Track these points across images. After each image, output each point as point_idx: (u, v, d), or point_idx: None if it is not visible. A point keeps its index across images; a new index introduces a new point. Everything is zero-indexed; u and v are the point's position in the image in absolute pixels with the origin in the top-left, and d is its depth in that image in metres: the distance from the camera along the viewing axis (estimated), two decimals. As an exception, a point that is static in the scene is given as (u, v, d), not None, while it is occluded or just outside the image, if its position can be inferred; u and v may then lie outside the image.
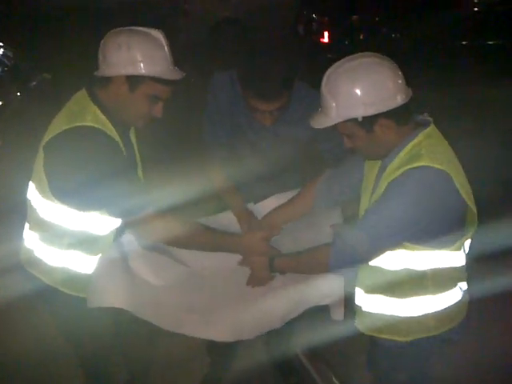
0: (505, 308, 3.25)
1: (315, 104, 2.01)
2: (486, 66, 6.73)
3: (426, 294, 1.88)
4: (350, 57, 1.82)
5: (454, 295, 1.95)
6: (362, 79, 1.75)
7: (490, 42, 7.26)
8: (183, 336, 2.04)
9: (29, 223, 2.15)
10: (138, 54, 1.91)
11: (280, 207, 2.32)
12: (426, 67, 6.49)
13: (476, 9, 7.35)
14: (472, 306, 2.06)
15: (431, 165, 1.75)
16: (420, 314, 1.90)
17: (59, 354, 2.69)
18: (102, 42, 1.99)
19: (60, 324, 2.28)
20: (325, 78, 1.82)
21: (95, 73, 2.00)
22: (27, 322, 3.21)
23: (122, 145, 2.00)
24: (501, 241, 3.02)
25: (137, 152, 2.23)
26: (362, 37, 7.22)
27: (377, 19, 7.35)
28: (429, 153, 1.78)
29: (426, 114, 1.89)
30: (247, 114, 2.32)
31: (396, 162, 1.82)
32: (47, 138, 1.96)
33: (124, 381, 2.51)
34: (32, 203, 2.08)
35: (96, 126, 1.92)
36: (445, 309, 1.93)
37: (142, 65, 1.91)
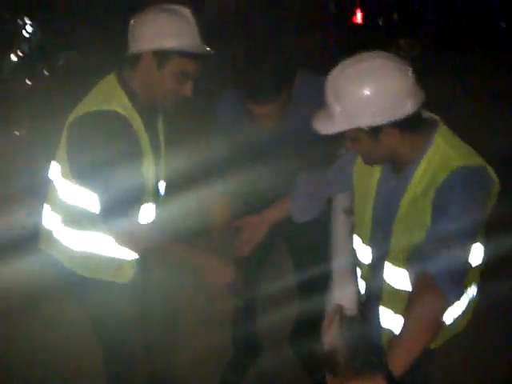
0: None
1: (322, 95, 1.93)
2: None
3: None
4: (357, 57, 1.66)
5: (474, 292, 1.87)
6: (371, 86, 1.59)
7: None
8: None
9: (49, 204, 2.13)
10: (165, 29, 1.89)
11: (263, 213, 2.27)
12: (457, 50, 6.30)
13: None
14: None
15: (467, 164, 1.64)
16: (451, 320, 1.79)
17: (86, 342, 2.63)
18: (130, 21, 1.95)
19: (84, 308, 2.25)
20: (329, 80, 1.67)
21: (125, 53, 1.97)
22: (53, 309, 3.15)
23: (144, 132, 1.97)
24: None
25: (162, 140, 2.19)
26: (395, 17, 7.02)
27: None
28: (455, 152, 1.67)
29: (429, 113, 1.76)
30: (251, 120, 2.21)
31: (421, 170, 1.70)
32: (72, 118, 1.94)
33: (146, 374, 2.45)
34: (53, 183, 2.07)
35: (119, 111, 1.89)
36: (460, 314, 1.84)
37: (169, 39, 1.88)
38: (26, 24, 5.66)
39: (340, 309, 1.93)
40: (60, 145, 2.03)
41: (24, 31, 5.62)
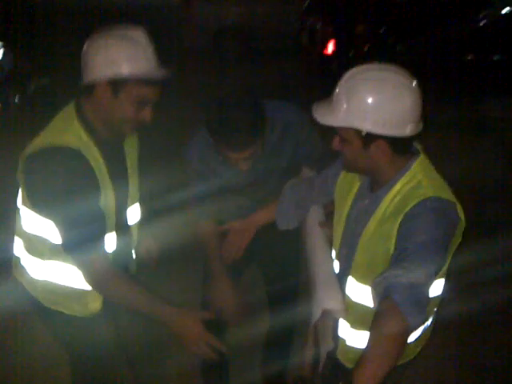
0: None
1: (290, 125, 2.10)
2: (491, 81, 6.69)
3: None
4: (384, 65, 1.70)
5: (431, 320, 1.93)
6: (384, 96, 1.65)
7: (495, 58, 7.19)
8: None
9: (16, 231, 2.10)
10: (117, 55, 1.81)
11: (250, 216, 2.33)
12: (430, 81, 6.40)
13: (482, 23, 7.29)
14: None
15: (438, 195, 1.69)
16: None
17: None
18: (83, 48, 1.89)
19: (52, 335, 2.23)
20: (348, 74, 1.70)
21: (79, 82, 1.91)
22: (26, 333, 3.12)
23: (102, 163, 1.92)
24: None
25: (129, 166, 2.13)
26: (366, 48, 7.14)
27: (382, 30, 7.27)
28: (430, 183, 1.72)
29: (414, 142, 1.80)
30: (223, 162, 2.23)
31: (393, 193, 1.74)
32: (28, 151, 1.89)
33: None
34: (18, 211, 2.04)
35: (73, 145, 1.84)
36: (422, 333, 1.90)
37: (122, 66, 1.81)
38: (-3, 50, 5.62)
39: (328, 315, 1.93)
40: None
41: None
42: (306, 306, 2.09)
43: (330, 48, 7.34)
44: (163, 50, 1.93)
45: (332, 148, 1.81)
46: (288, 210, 2.24)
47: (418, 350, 1.96)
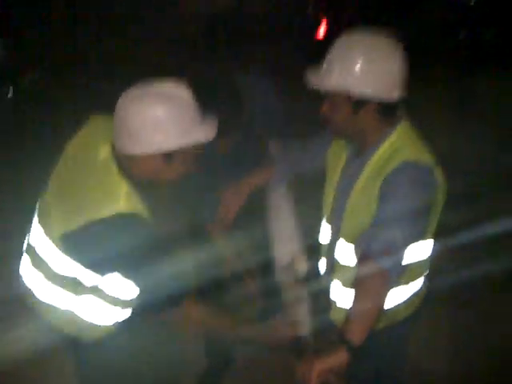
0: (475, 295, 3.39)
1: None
2: (479, 57, 6.76)
3: (398, 286, 1.88)
4: (374, 31, 1.77)
5: (420, 284, 1.99)
6: (375, 61, 1.71)
7: (486, 36, 7.22)
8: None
9: (34, 267, 1.96)
10: (171, 127, 1.68)
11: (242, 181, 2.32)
12: (421, 62, 6.44)
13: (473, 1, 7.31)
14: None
15: (417, 158, 1.76)
16: (392, 305, 1.91)
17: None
18: (117, 109, 1.72)
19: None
20: (341, 40, 1.76)
21: (117, 148, 1.75)
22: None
23: (151, 217, 1.82)
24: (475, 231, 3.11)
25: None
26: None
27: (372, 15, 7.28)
28: (409, 147, 1.79)
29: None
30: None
31: (375, 159, 1.81)
32: (73, 226, 1.72)
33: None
34: (40, 254, 1.90)
35: (130, 210, 1.70)
36: (411, 296, 1.96)
37: (176, 139, 1.70)
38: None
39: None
40: (47, 231, 1.85)
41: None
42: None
43: (322, 32, 7.36)
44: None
45: (321, 115, 1.83)
46: (284, 168, 2.27)
47: (409, 312, 2.01)
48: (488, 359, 3.02)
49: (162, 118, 1.66)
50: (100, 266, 1.76)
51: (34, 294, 1.97)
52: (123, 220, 1.68)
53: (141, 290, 1.81)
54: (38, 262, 1.91)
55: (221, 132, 1.96)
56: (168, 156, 1.72)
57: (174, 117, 1.68)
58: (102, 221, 1.67)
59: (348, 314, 1.67)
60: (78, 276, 1.82)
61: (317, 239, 2.18)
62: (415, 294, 1.98)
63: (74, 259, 1.78)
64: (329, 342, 1.78)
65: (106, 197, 1.71)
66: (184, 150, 1.73)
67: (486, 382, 2.92)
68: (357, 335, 1.61)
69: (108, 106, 1.81)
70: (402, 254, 1.72)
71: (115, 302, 1.87)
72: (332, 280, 2.03)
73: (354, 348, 1.59)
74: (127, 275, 1.77)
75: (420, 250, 1.88)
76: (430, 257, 1.96)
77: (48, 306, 1.95)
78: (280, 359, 2.87)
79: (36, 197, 1.97)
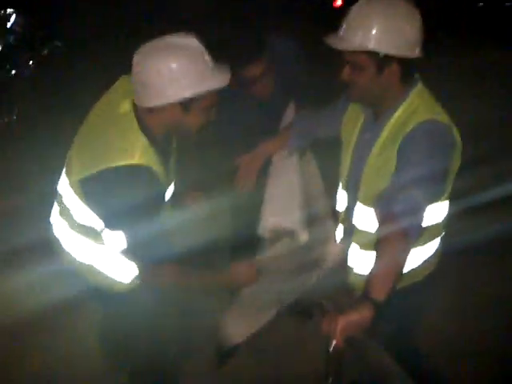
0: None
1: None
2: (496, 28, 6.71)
3: (417, 246, 1.93)
4: None
5: (437, 244, 2.04)
6: (397, 19, 1.75)
7: (508, 3, 7.12)
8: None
9: (59, 214, 2.11)
10: (182, 76, 1.75)
11: (258, 146, 2.37)
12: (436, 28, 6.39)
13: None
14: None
15: (434, 118, 1.80)
16: (411, 266, 1.96)
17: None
18: (134, 63, 1.80)
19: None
20: (360, 2, 1.80)
21: (136, 102, 1.85)
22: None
23: (165, 174, 1.93)
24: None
25: (171, 168, 2.11)
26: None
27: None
28: (426, 107, 1.83)
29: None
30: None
31: (393, 121, 1.85)
32: (87, 172, 1.85)
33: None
34: (66, 203, 2.03)
35: (145, 164, 1.80)
36: (429, 257, 2.02)
37: (190, 88, 1.77)
38: (10, 15, 5.68)
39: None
40: (70, 176, 1.97)
41: (8, 22, 5.64)
42: None
43: (340, 0, 7.33)
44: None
45: (342, 79, 1.86)
46: (301, 133, 2.32)
47: (427, 272, 2.07)
48: (496, 319, 3.09)
49: (174, 68, 1.74)
50: (108, 213, 1.87)
51: (60, 243, 2.11)
52: (136, 171, 1.79)
53: (135, 242, 1.89)
54: (64, 211, 2.04)
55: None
56: (185, 105, 1.80)
57: (187, 66, 1.75)
58: (116, 169, 1.78)
59: (371, 273, 1.71)
60: (94, 225, 1.94)
61: (333, 206, 2.23)
62: (432, 255, 2.03)
63: (89, 206, 1.89)
64: (350, 301, 1.84)
65: (124, 148, 1.80)
66: (200, 98, 1.80)
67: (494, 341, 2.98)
68: (380, 293, 1.64)
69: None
70: (423, 213, 1.75)
71: (122, 253, 1.96)
72: (350, 245, 2.08)
73: (378, 305, 1.63)
74: (127, 225, 1.85)
75: (437, 211, 1.92)
76: (446, 218, 1.99)
77: (71, 255, 2.09)
78: (290, 324, 3.01)
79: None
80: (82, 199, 1.93)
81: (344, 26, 1.80)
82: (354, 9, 1.80)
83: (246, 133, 2.48)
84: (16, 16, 5.68)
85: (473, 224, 3.11)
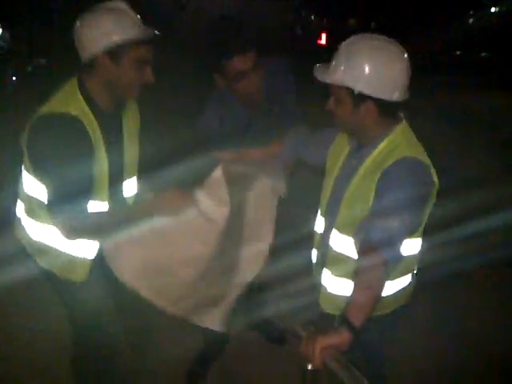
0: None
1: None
2: (478, 77, 6.90)
3: (391, 278, 1.97)
4: (383, 37, 1.89)
5: (409, 280, 2.08)
6: (378, 62, 1.82)
7: (483, 54, 7.38)
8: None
9: (19, 194, 2.22)
10: (107, 26, 1.94)
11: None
12: (418, 76, 6.58)
13: (470, 21, 7.47)
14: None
15: (415, 156, 1.86)
16: (384, 295, 1.95)
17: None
18: (74, 29, 2.00)
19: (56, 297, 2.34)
20: (349, 41, 1.88)
21: (77, 60, 2.01)
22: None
23: (99, 133, 2.03)
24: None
25: (127, 136, 2.23)
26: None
27: (372, 24, 7.44)
28: (408, 145, 1.90)
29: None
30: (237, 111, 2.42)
31: (375, 154, 1.92)
32: (34, 117, 2.00)
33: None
34: (21, 175, 2.16)
35: (74, 113, 1.95)
36: (399, 290, 2.05)
37: (114, 35, 1.94)
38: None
39: None
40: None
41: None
42: None
43: (324, 39, 7.52)
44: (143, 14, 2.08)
45: (327, 108, 1.95)
46: (291, 148, 2.37)
47: (398, 305, 2.10)
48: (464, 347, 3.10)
49: (100, 21, 1.95)
50: (36, 159, 1.99)
51: (20, 222, 2.20)
52: (65, 118, 1.93)
53: (59, 192, 1.97)
54: (21, 190, 2.16)
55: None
56: (112, 54, 1.95)
57: (111, 19, 1.95)
58: (46, 115, 1.95)
59: (349, 300, 1.75)
60: (38, 195, 2.05)
61: (309, 230, 2.25)
62: (403, 289, 2.07)
63: (28, 159, 2.02)
64: (325, 325, 1.87)
65: (60, 101, 1.99)
66: (125, 47, 1.95)
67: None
68: (358, 319, 1.67)
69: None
70: (401, 243, 1.80)
71: (47, 207, 2.01)
72: (323, 270, 2.11)
73: (356, 330, 1.66)
74: (52, 172, 1.95)
75: (412, 245, 1.97)
76: (419, 253, 2.03)
77: (25, 232, 2.18)
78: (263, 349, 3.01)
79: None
80: (29, 170, 2.05)
81: (332, 60, 1.90)
82: (344, 45, 1.88)
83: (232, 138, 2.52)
84: (2, 31, 5.71)
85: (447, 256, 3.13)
